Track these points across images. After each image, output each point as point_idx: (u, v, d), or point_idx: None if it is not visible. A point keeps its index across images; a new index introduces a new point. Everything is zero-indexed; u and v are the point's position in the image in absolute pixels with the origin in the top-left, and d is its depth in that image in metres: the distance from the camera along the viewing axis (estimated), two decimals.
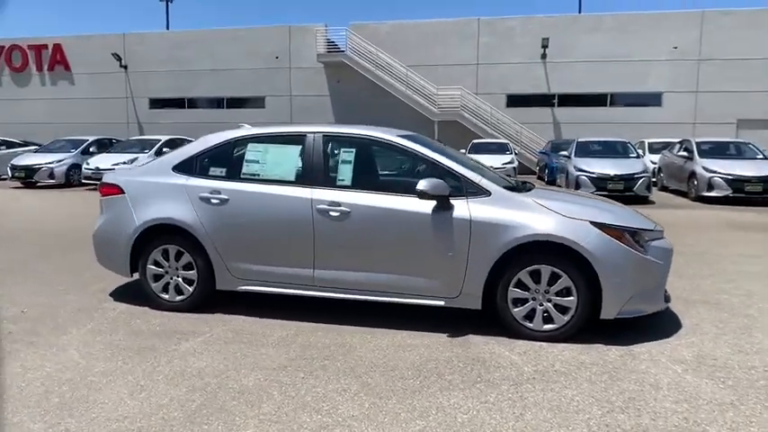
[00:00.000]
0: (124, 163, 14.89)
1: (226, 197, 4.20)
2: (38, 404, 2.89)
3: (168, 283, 4.43)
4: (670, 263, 3.91)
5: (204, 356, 3.53)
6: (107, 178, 4.72)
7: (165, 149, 16.24)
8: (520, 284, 3.77)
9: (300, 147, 4.24)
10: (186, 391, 3.04)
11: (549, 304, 3.75)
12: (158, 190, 4.41)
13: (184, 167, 4.43)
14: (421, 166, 4.21)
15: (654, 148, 17.58)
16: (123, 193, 4.50)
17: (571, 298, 3.70)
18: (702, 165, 12.36)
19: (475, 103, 23.45)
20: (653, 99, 22.23)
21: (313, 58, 24.93)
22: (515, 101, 23.68)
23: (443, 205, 3.82)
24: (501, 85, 23.66)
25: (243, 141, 4.42)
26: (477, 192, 3.86)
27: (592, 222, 3.70)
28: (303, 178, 4.14)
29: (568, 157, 13.65)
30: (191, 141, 4.79)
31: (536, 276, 3.74)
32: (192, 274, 4.35)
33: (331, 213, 3.98)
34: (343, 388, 3.10)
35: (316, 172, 4.13)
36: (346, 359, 3.50)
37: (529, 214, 3.75)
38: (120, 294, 4.88)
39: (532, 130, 22.95)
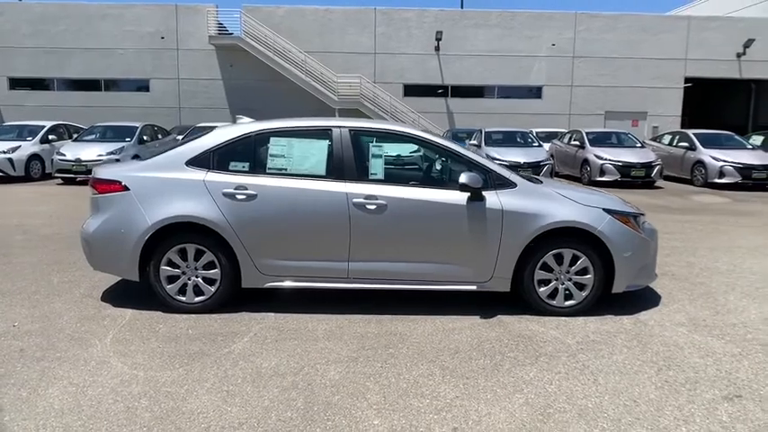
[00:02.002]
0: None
1: (253, 192, 4.08)
2: (132, 421, 2.70)
3: (185, 285, 4.20)
4: (657, 242, 4.56)
5: (266, 356, 3.47)
6: (103, 174, 4.30)
7: (50, 136, 14.53)
8: (544, 266, 4.18)
9: (327, 141, 4.25)
10: (280, 392, 3.01)
11: (570, 283, 4.21)
12: (172, 186, 4.14)
13: (200, 162, 4.20)
14: (446, 160, 4.42)
15: (539, 137, 19.32)
16: (127, 189, 4.15)
17: (588, 276, 4.19)
18: (594, 153, 13.94)
19: (374, 92, 23.87)
20: (534, 92, 24.32)
21: (204, 40, 23.61)
22: (412, 90, 24.49)
23: (477, 197, 4.09)
24: (398, 74, 24.31)
25: (264, 135, 4.30)
26: (505, 184, 4.19)
27: (604, 209, 4.21)
28: (335, 172, 4.16)
29: (478, 146, 14.57)
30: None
31: (558, 258, 4.18)
32: (215, 273, 4.17)
33: (368, 207, 4.06)
34: (428, 372, 3.27)
35: (347, 166, 4.17)
36: (407, 346, 3.65)
37: (552, 203, 4.16)
38: (116, 299, 4.50)
39: (428, 120, 23.94)
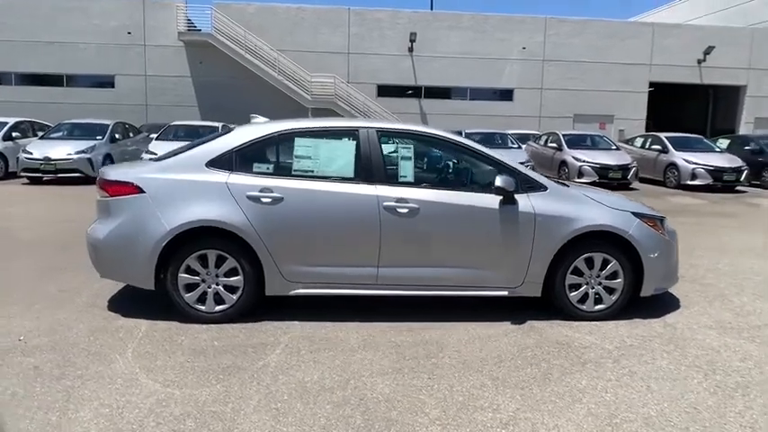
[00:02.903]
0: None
1: (279, 195, 3.88)
2: None
3: (205, 293, 3.96)
4: (677, 244, 4.60)
5: (306, 369, 3.29)
6: (114, 175, 4.01)
7: (14, 134, 13.75)
8: (575, 271, 4.14)
9: (355, 142, 4.09)
10: (333, 408, 2.84)
11: (600, 287, 4.18)
12: (192, 189, 3.90)
13: (221, 163, 3.97)
14: (475, 162, 4.32)
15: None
16: (142, 192, 3.88)
17: (618, 280, 4.17)
18: (572, 155, 14.18)
19: (347, 92, 23.65)
20: (505, 94, 24.62)
21: (172, 36, 22.88)
22: (385, 91, 24.41)
23: (510, 200, 4.02)
24: (372, 75, 24.18)
25: (288, 136, 4.10)
26: (536, 187, 4.13)
27: (632, 213, 4.21)
28: (363, 175, 4.00)
29: None
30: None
31: (589, 262, 4.15)
32: (237, 280, 3.95)
33: (399, 210, 3.93)
34: (479, 384, 3.16)
35: (376, 168, 4.02)
36: (447, 356, 3.54)
37: (583, 207, 4.13)
38: (124, 309, 4.20)
39: (401, 121, 23.91)
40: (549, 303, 4.24)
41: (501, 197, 4.01)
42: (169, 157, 4.14)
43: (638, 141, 16.20)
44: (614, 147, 15.08)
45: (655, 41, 24.08)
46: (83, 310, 4.20)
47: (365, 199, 3.93)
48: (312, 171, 4.02)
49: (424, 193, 4.00)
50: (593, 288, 4.18)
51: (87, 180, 12.66)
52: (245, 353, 3.50)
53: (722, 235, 8.00)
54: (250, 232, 3.85)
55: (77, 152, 12.71)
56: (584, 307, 4.19)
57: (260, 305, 4.13)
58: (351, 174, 4.02)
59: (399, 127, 4.28)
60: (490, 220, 4.01)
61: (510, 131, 19.68)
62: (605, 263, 4.15)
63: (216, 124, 15.01)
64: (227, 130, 4.23)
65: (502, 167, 4.14)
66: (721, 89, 25.46)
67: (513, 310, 4.32)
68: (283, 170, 4.04)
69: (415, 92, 24.58)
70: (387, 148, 4.16)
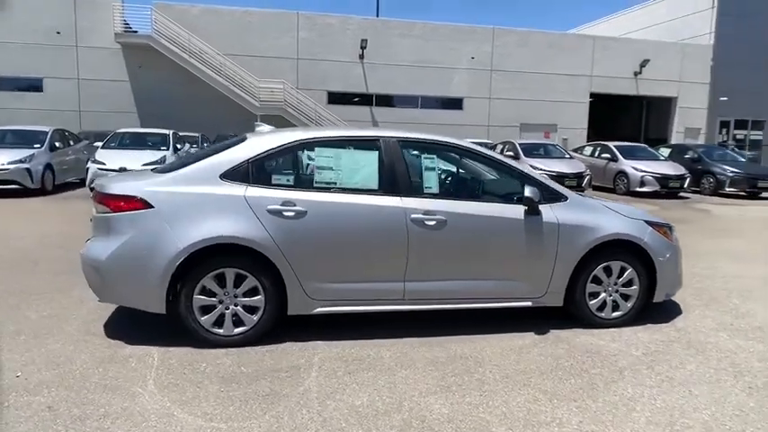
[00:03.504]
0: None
1: (302, 209, 3.69)
2: None
3: (223, 315, 3.69)
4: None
5: (350, 392, 3.12)
6: (117, 188, 3.67)
7: None
8: (594, 279, 4.19)
9: (377, 152, 3.95)
10: None
11: (617, 294, 4.26)
12: (206, 203, 3.63)
13: (237, 175, 3.72)
14: (497, 173, 4.29)
15: None
16: (150, 207, 3.57)
17: (634, 287, 4.26)
18: (529, 164, 14.55)
19: (297, 98, 23.28)
20: (455, 103, 25.05)
21: (108, 38, 21.65)
22: (336, 98, 24.21)
23: (534, 211, 4.01)
24: (322, 81, 23.92)
25: (307, 145, 3.91)
26: (557, 197, 4.15)
27: (645, 221, 4.32)
28: (388, 186, 3.87)
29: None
30: None
31: (607, 271, 4.21)
32: (257, 300, 3.71)
33: (426, 223, 3.83)
34: (532, 398, 3.11)
35: (401, 179, 3.90)
36: (488, 370, 3.47)
37: (602, 216, 4.19)
38: (126, 335, 3.84)
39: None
40: (568, 312, 4.26)
41: (526, 208, 4.00)
42: (175, 168, 3.84)
43: (588, 150, 16.91)
44: (567, 155, 15.66)
45: (595, 53, 25.31)
46: (78, 338, 3.80)
47: (392, 211, 3.80)
48: (335, 183, 3.85)
49: (451, 205, 3.92)
50: (610, 296, 4.25)
51: (26, 192, 11.74)
52: (279, 378, 3.27)
53: (688, 240, 8.41)
54: (272, 248, 3.63)
55: (13, 162, 11.72)
56: (602, 314, 4.24)
57: (278, 325, 3.90)
58: (375, 185, 3.88)
59: (421, 136, 4.18)
60: (516, 231, 3.99)
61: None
62: (622, 270, 4.22)
63: (166, 132, 14.30)
64: (239, 140, 3.97)
65: (524, 178, 4.14)
66: (654, 100, 27.08)
67: (525, 319, 4.30)
68: (304, 182, 3.85)
69: (366, 99, 24.55)
70: (411, 159, 4.06)
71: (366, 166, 3.93)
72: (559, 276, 4.09)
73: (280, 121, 22.23)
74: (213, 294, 3.67)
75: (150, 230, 3.56)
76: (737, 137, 26.18)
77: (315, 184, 3.82)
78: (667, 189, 14.30)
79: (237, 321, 3.72)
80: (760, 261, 6.94)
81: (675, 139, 25.57)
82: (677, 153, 16.54)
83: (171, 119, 20.60)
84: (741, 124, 26.19)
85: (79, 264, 3.78)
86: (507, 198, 4.13)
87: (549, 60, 24.98)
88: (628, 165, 14.74)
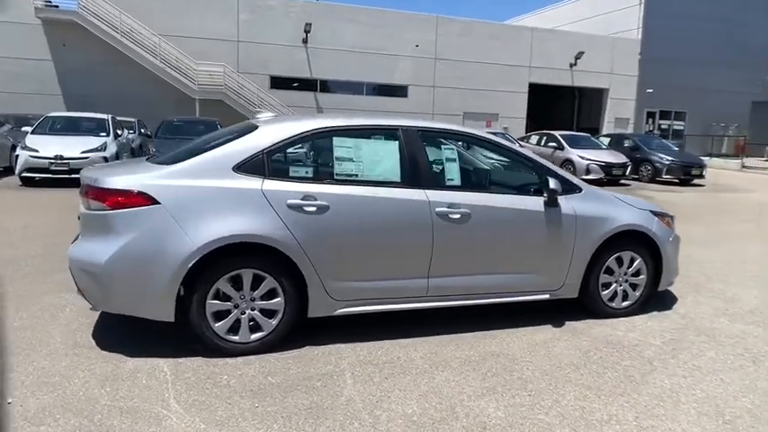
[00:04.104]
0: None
1: (325, 203, 3.42)
2: None
3: (239, 320, 3.37)
4: None
5: (395, 399, 2.93)
6: (114, 182, 3.23)
7: None
8: (607, 270, 4.21)
9: (397, 143, 3.73)
10: None
11: (627, 284, 4.30)
12: (220, 198, 3.28)
13: (252, 167, 3.39)
14: (515, 164, 4.19)
15: None
16: (156, 203, 3.18)
17: (642, 277, 4.33)
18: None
19: (238, 83, 22.33)
20: (400, 90, 24.97)
21: (27, 12, 19.77)
22: (279, 83, 23.46)
23: (554, 202, 3.95)
24: (264, 65, 23.08)
25: (324, 134, 3.63)
26: (572, 189, 4.11)
27: (651, 211, 4.38)
28: (411, 178, 3.67)
29: None
30: None
31: (618, 261, 4.24)
32: (276, 303, 3.41)
33: (451, 216, 3.67)
34: (580, 395, 3.06)
35: (423, 171, 3.71)
36: (524, 367, 3.38)
37: (615, 207, 4.20)
38: (120, 345, 3.43)
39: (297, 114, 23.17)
40: (581, 303, 4.26)
41: (545, 199, 3.93)
42: (179, 159, 3.44)
43: (534, 139, 17.37)
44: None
45: (533, 45, 25.99)
46: (67, 352, 3.36)
47: (417, 205, 3.61)
48: (356, 175, 3.60)
49: (474, 197, 3.78)
50: (620, 286, 4.28)
51: None
52: (314, 388, 3.02)
53: None
54: (293, 246, 3.35)
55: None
56: (613, 304, 4.28)
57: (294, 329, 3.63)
58: (397, 177, 3.67)
59: (440, 126, 4.00)
60: (537, 223, 3.92)
61: None
62: (631, 261, 4.27)
63: (103, 116, 13.23)
64: (247, 128, 3.62)
65: (543, 169, 4.07)
66: (587, 91, 28.26)
67: (534, 312, 4.26)
68: (324, 174, 3.58)
69: (310, 85, 23.96)
70: (432, 149, 3.87)
71: (387, 157, 3.71)
72: (576, 268, 4.07)
73: (220, 107, 21.31)
74: (228, 298, 3.34)
75: (157, 230, 3.17)
76: (662, 126, 27.91)
77: (335, 177, 3.55)
78: (610, 176, 14.96)
79: (254, 327, 3.42)
80: (723, 245, 7.34)
81: (607, 128, 26.85)
82: (617, 142, 17.34)
83: (100, 102, 19.19)
84: (665, 115, 27.93)
85: (42, 264, 3.33)
86: (525, 190, 4.05)
87: (490, 51, 25.40)
88: (574, 153, 15.28)
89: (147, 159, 3.85)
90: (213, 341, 3.32)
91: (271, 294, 3.41)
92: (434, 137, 3.96)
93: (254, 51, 22.85)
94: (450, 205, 3.68)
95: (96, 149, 11.31)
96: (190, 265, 3.18)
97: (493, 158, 4.58)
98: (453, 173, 3.85)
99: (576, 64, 26.32)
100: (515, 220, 3.87)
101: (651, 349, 3.72)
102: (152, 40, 20.81)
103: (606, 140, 17.54)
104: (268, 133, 3.51)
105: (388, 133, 3.79)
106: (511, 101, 25.96)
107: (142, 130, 16.72)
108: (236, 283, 3.34)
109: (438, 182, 3.77)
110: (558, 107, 30.26)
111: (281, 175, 3.46)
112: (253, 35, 22.75)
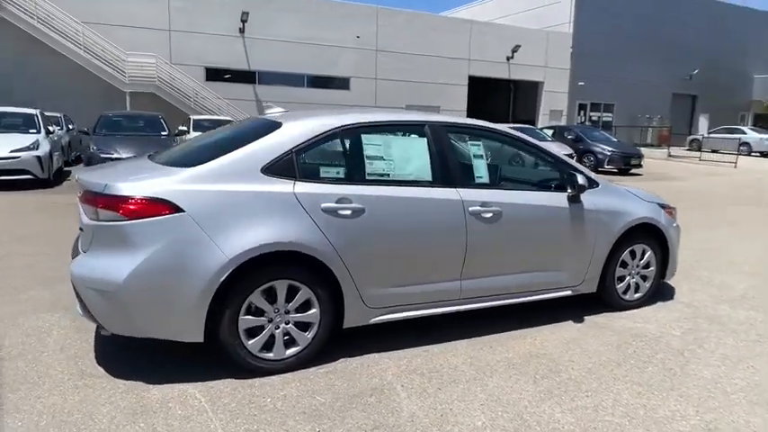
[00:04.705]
0: None
1: (360, 206, 3.19)
2: None
3: (273, 336, 3.09)
4: None
5: (458, 411, 2.79)
6: (129, 189, 2.83)
7: None
8: (622, 263, 4.26)
9: (425, 139, 3.56)
10: None
11: (638, 277, 4.38)
12: (250, 203, 2.97)
13: (281, 168, 3.10)
14: (536, 159, 4.13)
15: None
16: (179, 211, 2.84)
17: (652, 269, 4.42)
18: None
19: (171, 75, 21.14)
20: (342, 83, 24.60)
21: None
22: (215, 75, 22.42)
23: (576, 198, 3.94)
24: (199, 56, 21.94)
25: (352, 131, 3.39)
26: (591, 183, 4.11)
27: (658, 204, 4.47)
28: (443, 177, 3.51)
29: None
30: None
31: (632, 254, 4.30)
32: (312, 314, 3.16)
33: (483, 215, 3.56)
34: (636, 392, 3.04)
35: (454, 169, 3.57)
36: (570, 368, 3.33)
37: (629, 201, 4.25)
38: (134, 372, 3.06)
39: (237, 107, 22.27)
40: (597, 297, 4.28)
41: (569, 195, 3.90)
42: (199, 161, 3.07)
43: None
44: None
45: (473, 38, 26.38)
46: (76, 383, 2.94)
47: (451, 205, 3.46)
48: (388, 174, 3.39)
49: (504, 195, 3.68)
50: (633, 278, 4.35)
51: None
52: (369, 405, 2.82)
53: None
54: (329, 253, 3.11)
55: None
56: (627, 297, 4.34)
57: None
58: (429, 176, 3.50)
59: (465, 122, 3.87)
60: (562, 219, 3.88)
61: None
62: (643, 253, 4.34)
63: (31, 111, 12.03)
64: (270, 125, 3.31)
65: (562, 164, 4.03)
66: (523, 84, 29.09)
67: (545, 308, 4.26)
68: (356, 174, 3.34)
69: (249, 77, 23.09)
70: (459, 146, 3.73)
71: (417, 154, 3.53)
72: (596, 263, 4.08)
73: (153, 100, 20.13)
74: (261, 313, 3.05)
75: (182, 241, 2.83)
76: (593, 118, 29.28)
77: (367, 177, 3.33)
78: None
79: (289, 341, 3.15)
80: (690, 232, 7.70)
81: (542, 120, 27.81)
82: (560, 134, 17.95)
83: (15, 96, 17.52)
84: (595, 107, 29.33)
85: (1, 279, 2.91)
86: (547, 186, 4.01)
87: (431, 43, 25.53)
88: None
89: (150, 159, 3.45)
90: (247, 360, 3.03)
91: (305, 306, 3.15)
92: (460, 133, 3.81)
93: (188, 41, 21.69)
94: (483, 204, 3.56)
95: (28, 148, 10.26)
96: (222, 278, 2.86)
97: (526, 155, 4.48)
98: (482, 170, 3.73)
99: (513, 57, 27.01)
100: (543, 216, 3.81)
101: (675, 340, 3.79)
102: (74, 28, 19.23)
103: (550, 132, 18.12)
104: (295, 130, 3.23)
105: (415, 129, 3.61)
106: (452, 93, 26.26)
107: (70, 126, 15.45)
108: (269, 295, 3.06)
109: (468, 180, 3.63)
110: (494, 100, 30.99)
111: (312, 176, 3.20)
112: (186, 24, 21.56)
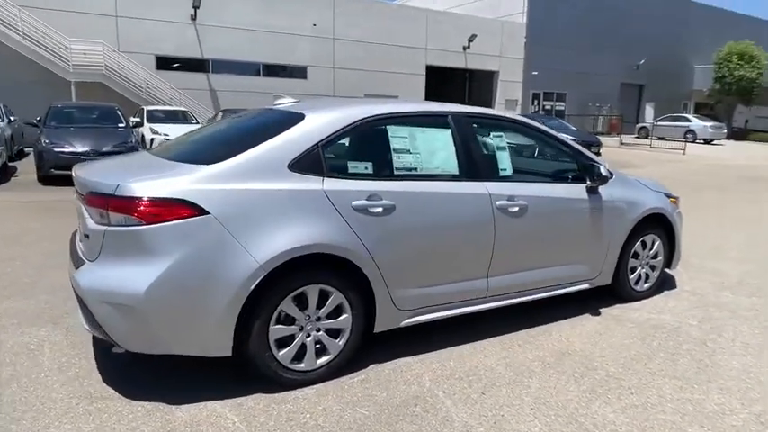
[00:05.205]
0: None
1: (390, 203, 3.00)
2: None
3: (304, 345, 2.87)
4: None
5: (504, 420, 2.66)
6: (148, 190, 2.53)
7: None
8: (634, 254, 4.25)
9: (449, 131, 3.39)
10: None
11: (648, 267, 4.38)
12: (278, 203, 2.73)
13: (307, 164, 2.86)
14: (554, 150, 4.02)
15: None
16: (204, 213, 2.56)
17: (660, 258, 4.44)
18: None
19: (120, 63, 20.02)
20: (299, 72, 24.02)
21: None
22: (167, 64, 21.41)
23: (595, 190, 3.88)
24: (148, 44, 20.86)
25: (377, 122, 3.18)
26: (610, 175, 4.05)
27: (664, 194, 4.49)
28: (469, 171, 3.35)
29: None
30: None
31: (643, 244, 4.30)
32: (343, 320, 2.96)
33: (510, 210, 3.43)
34: (677, 387, 3.01)
35: (479, 162, 3.42)
36: (606, 363, 3.27)
37: (640, 192, 4.24)
38: (146, 392, 2.77)
39: (190, 97, 21.36)
40: (611, 289, 4.25)
41: (587, 187, 3.84)
42: (218, 157, 2.77)
43: None
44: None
45: (429, 27, 26.28)
46: (89, 408, 2.62)
47: (479, 199, 3.32)
48: (416, 168, 3.21)
49: (528, 188, 3.57)
50: (643, 269, 4.35)
51: None
52: (417, 415, 2.65)
53: None
54: (362, 254, 2.90)
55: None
56: (637, 287, 4.34)
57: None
58: (455, 170, 3.33)
59: (487, 112, 3.72)
60: (583, 211, 3.82)
61: None
62: (652, 243, 4.35)
63: None
64: (293, 117, 3.05)
65: (582, 156, 3.96)
66: (479, 74, 29.30)
67: (554, 302, 4.22)
68: (383, 169, 3.13)
69: (202, 65, 22.18)
70: (482, 138, 3.57)
71: (442, 147, 3.35)
72: (612, 255, 4.05)
73: (102, 90, 19.03)
74: (292, 321, 2.82)
75: (208, 245, 2.56)
76: (546, 107, 29.88)
77: (395, 172, 3.13)
78: None
79: (320, 350, 2.93)
80: None
81: (498, 110, 28.12)
82: None
83: None
84: (548, 96, 29.93)
85: None
86: (565, 177, 3.93)
87: (389, 32, 25.28)
88: None
89: (152, 154, 3.13)
90: (278, 373, 2.80)
91: (337, 311, 2.94)
92: (482, 124, 3.66)
93: (137, 28, 20.57)
94: (510, 198, 3.43)
95: None
96: (252, 286, 2.61)
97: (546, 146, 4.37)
98: (505, 162, 3.60)
99: (469, 47, 27.11)
100: (565, 209, 3.73)
101: (694, 330, 3.81)
102: (11, 13, 17.86)
103: None
104: (319, 123, 2.99)
105: (439, 121, 3.43)
106: (410, 83, 26.13)
107: (12, 118, 14.36)
108: (300, 302, 2.82)
109: (493, 173, 3.50)
110: (450, 89, 31.06)
111: (339, 171, 2.97)
112: (134, 10, 20.42)
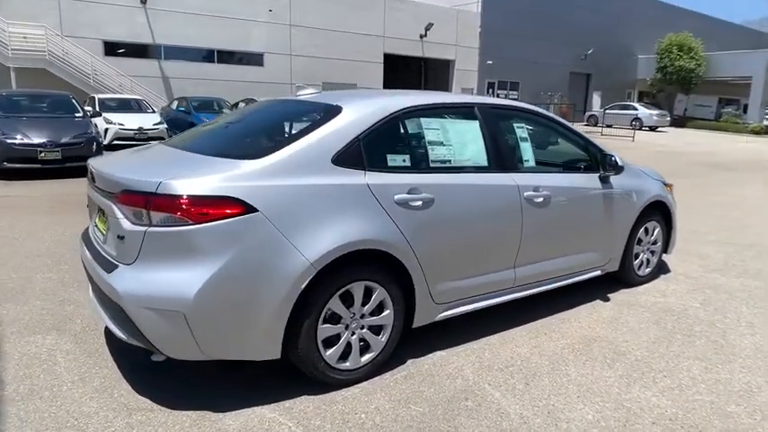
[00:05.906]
0: None
1: (429, 196, 2.96)
2: None
3: (349, 344, 2.80)
4: None
5: (556, 410, 2.70)
6: (195, 187, 2.37)
7: None
8: (638, 240, 4.39)
9: (476, 122, 3.37)
10: None
11: (648, 252, 4.54)
12: (324, 198, 2.63)
13: (350, 158, 2.77)
14: (568, 141, 4.06)
15: None
16: (253, 211, 2.44)
17: (659, 244, 4.61)
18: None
19: (64, 49, 18.89)
20: (255, 59, 23.41)
21: None
22: (115, 49, 20.40)
23: (607, 179, 3.97)
24: (95, 29, 19.79)
25: (411, 114, 3.12)
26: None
27: (662, 182, 4.65)
28: (497, 162, 3.35)
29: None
30: None
31: (645, 231, 4.44)
32: (386, 316, 2.91)
33: (536, 200, 3.46)
34: (704, 368, 3.13)
35: (506, 153, 3.43)
36: (632, 349, 3.37)
37: (642, 180, 4.38)
38: (185, 400, 2.64)
39: (142, 85, 20.44)
40: (616, 275, 4.38)
41: (600, 176, 3.92)
42: (255, 152, 2.64)
43: None
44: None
45: (387, 15, 26.13)
46: (130, 422, 2.47)
47: (508, 191, 3.33)
48: (449, 161, 3.17)
49: (551, 179, 3.63)
50: (644, 254, 4.51)
51: None
52: (470, 409, 2.64)
53: None
54: (405, 249, 2.86)
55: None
56: (640, 273, 4.50)
57: None
58: (485, 161, 3.32)
59: (511, 104, 3.75)
60: (597, 200, 3.91)
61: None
62: (653, 229, 4.51)
63: None
64: (330, 110, 2.93)
65: (595, 147, 4.04)
66: (435, 62, 29.43)
67: (571, 288, 4.33)
68: (420, 162, 3.08)
69: (153, 52, 21.26)
70: (506, 129, 3.58)
71: (472, 139, 3.33)
72: (620, 242, 4.17)
73: (46, 77, 17.93)
74: (338, 319, 2.74)
75: (257, 245, 2.45)
76: (500, 96, 30.38)
77: (431, 164, 3.09)
78: None
79: (363, 348, 2.87)
80: None
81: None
82: None
83: None
84: (503, 85, 30.47)
85: None
86: (578, 168, 4.00)
87: (346, 19, 24.99)
88: None
89: (172, 147, 2.97)
90: (326, 373, 2.72)
91: (380, 308, 2.89)
92: (506, 115, 3.66)
93: (82, 11, 19.47)
94: (535, 188, 3.46)
95: None
96: (303, 285, 2.52)
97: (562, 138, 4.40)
98: (528, 153, 3.62)
99: (425, 35, 27.18)
100: (582, 198, 3.81)
101: (700, 312, 3.98)
102: None
103: None
104: (358, 116, 2.89)
105: (467, 112, 3.40)
106: (368, 71, 25.99)
107: None
108: (348, 299, 2.75)
109: (519, 164, 3.52)
110: (405, 77, 31.08)
111: (380, 165, 2.89)
112: None
